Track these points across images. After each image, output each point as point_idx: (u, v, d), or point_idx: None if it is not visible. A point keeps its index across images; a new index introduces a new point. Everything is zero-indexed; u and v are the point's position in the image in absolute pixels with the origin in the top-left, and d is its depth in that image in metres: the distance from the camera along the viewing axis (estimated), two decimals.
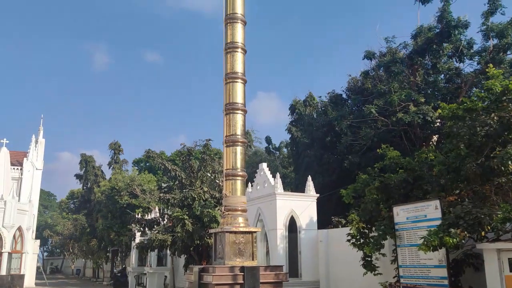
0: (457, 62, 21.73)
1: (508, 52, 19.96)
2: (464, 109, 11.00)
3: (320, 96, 30.63)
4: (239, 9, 14.84)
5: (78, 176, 57.21)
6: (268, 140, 42.26)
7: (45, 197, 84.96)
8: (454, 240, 9.66)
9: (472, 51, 21.00)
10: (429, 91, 21.38)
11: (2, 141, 37.36)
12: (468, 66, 21.58)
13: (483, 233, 10.20)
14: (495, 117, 10.51)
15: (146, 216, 30.37)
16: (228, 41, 14.63)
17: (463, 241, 10.35)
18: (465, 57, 21.13)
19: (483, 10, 20.22)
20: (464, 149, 10.91)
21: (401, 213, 12.50)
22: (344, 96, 27.31)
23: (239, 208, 13.34)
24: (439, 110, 12.92)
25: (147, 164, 50.86)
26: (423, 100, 20.13)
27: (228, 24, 14.78)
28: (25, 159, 40.64)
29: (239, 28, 14.74)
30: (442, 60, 21.72)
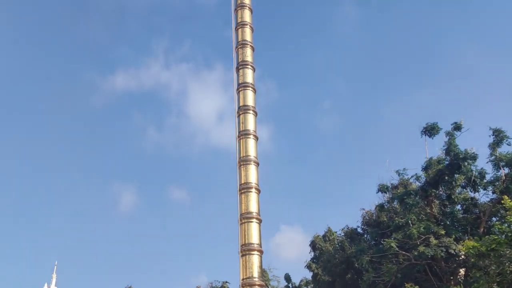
0: (471, 192, 21.65)
1: None
2: (488, 248, 10.74)
3: (336, 231, 30.09)
4: (251, 152, 15.47)
5: None
6: (287, 278, 40.12)
7: None
8: None
9: (485, 181, 21.03)
10: (447, 222, 20.96)
11: None
12: (484, 196, 21.45)
13: None
14: None
15: None
16: (242, 182, 14.97)
17: None
18: (479, 187, 21.11)
19: (489, 141, 20.79)
20: None
21: None
22: (359, 230, 26.90)
23: None
24: (463, 248, 12.55)
25: None
26: (443, 232, 19.63)
27: (242, 166, 15.28)
28: None
29: (252, 169, 15.20)
30: (457, 191, 21.65)
